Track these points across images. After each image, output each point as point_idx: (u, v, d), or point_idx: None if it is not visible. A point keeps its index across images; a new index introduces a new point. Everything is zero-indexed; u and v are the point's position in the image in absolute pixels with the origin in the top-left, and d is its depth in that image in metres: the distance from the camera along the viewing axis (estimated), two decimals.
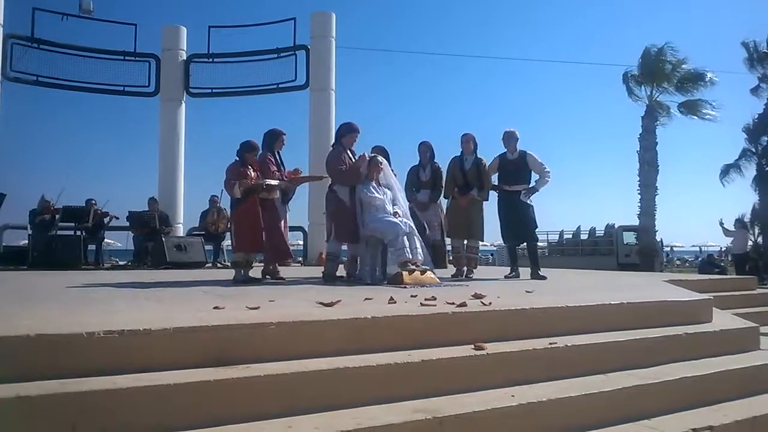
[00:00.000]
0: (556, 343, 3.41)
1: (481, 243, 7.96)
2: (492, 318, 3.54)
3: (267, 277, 6.56)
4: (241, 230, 6.15)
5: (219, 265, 11.42)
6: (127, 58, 14.11)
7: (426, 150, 7.38)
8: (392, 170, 6.79)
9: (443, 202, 7.39)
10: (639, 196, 21.60)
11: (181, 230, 13.49)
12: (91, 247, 11.61)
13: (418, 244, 6.09)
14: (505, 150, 7.22)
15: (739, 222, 17.14)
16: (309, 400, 2.61)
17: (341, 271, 6.66)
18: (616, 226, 25.93)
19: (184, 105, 14.53)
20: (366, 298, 4.08)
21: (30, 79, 13.21)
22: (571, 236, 28.08)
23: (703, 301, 4.66)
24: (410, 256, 5.89)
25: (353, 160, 6.43)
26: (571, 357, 3.39)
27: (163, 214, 12.19)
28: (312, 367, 2.73)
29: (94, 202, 11.62)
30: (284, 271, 6.99)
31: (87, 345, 2.46)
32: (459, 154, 7.32)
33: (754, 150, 22.76)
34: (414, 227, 6.22)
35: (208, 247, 11.58)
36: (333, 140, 6.89)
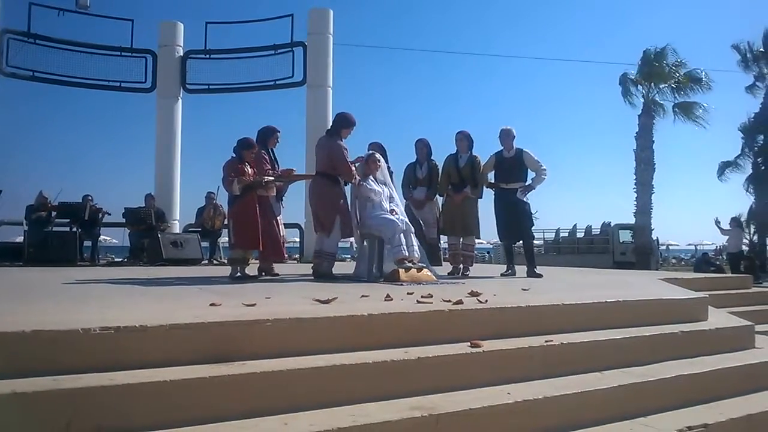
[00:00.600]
0: (552, 341, 3.41)
1: (477, 241, 7.96)
2: (488, 316, 3.54)
3: (263, 274, 6.54)
4: (239, 227, 6.13)
5: (215, 261, 11.41)
6: (123, 53, 14.10)
7: (423, 147, 7.37)
8: (389, 167, 6.79)
9: (439, 200, 7.38)
10: (635, 195, 21.67)
11: (177, 227, 13.47)
12: (87, 243, 11.61)
13: (414, 242, 6.09)
14: (502, 148, 7.22)
15: (735, 221, 17.19)
16: (305, 397, 2.61)
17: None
18: (612, 225, 25.96)
19: (180, 101, 14.52)
20: (362, 296, 4.08)
21: (26, 74, 13.20)
22: (567, 234, 28.10)
23: (699, 300, 4.67)
24: (407, 254, 5.89)
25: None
26: (567, 355, 3.40)
27: (160, 210, 12.18)
28: (308, 364, 2.73)
29: (90, 198, 11.60)
30: (281, 269, 6.99)
31: (83, 341, 2.46)
32: (454, 152, 7.33)
33: (750, 149, 22.83)
34: (410, 224, 6.23)
35: (205, 244, 11.57)
36: (327, 130, 6.68)
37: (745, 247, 18.82)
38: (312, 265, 6.53)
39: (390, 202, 6.38)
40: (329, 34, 13.88)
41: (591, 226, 27.49)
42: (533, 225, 7.35)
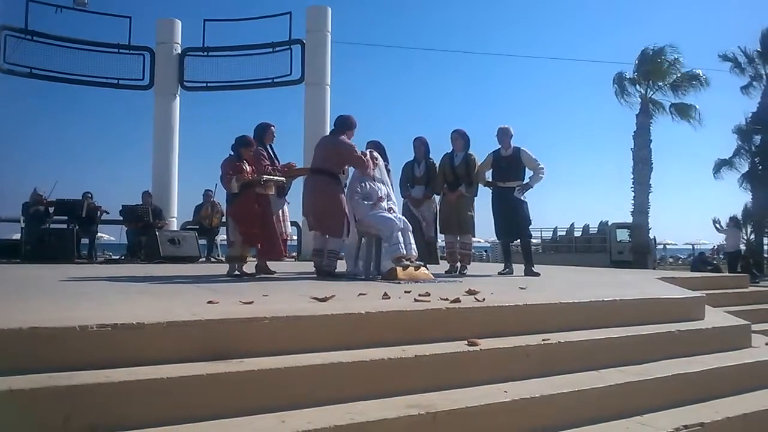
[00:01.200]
0: (549, 339, 3.42)
1: (474, 239, 7.97)
2: (485, 314, 3.54)
3: (261, 272, 6.54)
4: (238, 225, 6.12)
5: (213, 259, 11.40)
6: (121, 51, 14.05)
7: (421, 145, 7.38)
8: (387, 165, 6.79)
9: (437, 199, 7.39)
10: (633, 194, 21.72)
11: (174, 224, 13.44)
12: (84, 240, 11.58)
13: (411, 240, 6.09)
14: (499, 146, 7.23)
15: (733, 220, 17.23)
16: (302, 395, 2.61)
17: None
18: (609, 224, 26.04)
19: (178, 99, 14.48)
20: (360, 294, 4.08)
21: (24, 71, 13.15)
22: (564, 233, 28.18)
23: (696, 299, 4.68)
24: (405, 252, 5.89)
25: None
26: (564, 353, 3.41)
27: (157, 208, 12.16)
28: (305, 362, 2.73)
29: (89, 195, 11.59)
30: (279, 267, 6.97)
31: (80, 339, 2.45)
32: (450, 150, 7.34)
33: (747, 148, 22.89)
34: (408, 223, 6.23)
35: (202, 242, 11.57)
36: (333, 128, 6.65)
37: (742, 247, 18.87)
38: (314, 263, 6.48)
39: (387, 201, 6.39)
40: (327, 32, 13.84)
41: (588, 225, 27.60)
42: (531, 224, 7.36)
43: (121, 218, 11.87)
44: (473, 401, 2.77)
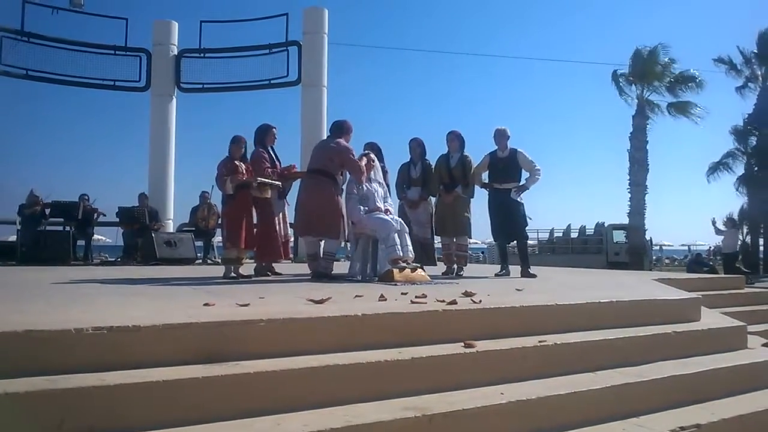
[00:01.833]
0: (545, 341, 3.42)
1: (471, 241, 7.97)
2: (482, 316, 3.54)
3: (261, 274, 6.53)
4: (231, 227, 6.11)
5: (209, 261, 11.39)
6: (117, 52, 14.05)
7: (417, 147, 7.37)
8: (383, 167, 6.79)
9: (433, 200, 7.39)
10: (629, 195, 21.76)
11: (171, 226, 13.44)
12: (81, 242, 11.57)
13: (408, 242, 6.10)
14: (496, 148, 7.24)
15: (731, 221, 17.27)
16: (298, 397, 2.61)
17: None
18: (606, 225, 26.07)
19: (174, 100, 14.48)
20: (356, 296, 4.08)
21: (20, 72, 13.14)
22: (561, 234, 28.20)
23: (692, 300, 4.69)
24: (401, 254, 5.89)
25: None
26: (561, 355, 3.41)
27: (153, 209, 12.15)
28: (302, 364, 2.73)
29: (86, 197, 11.57)
30: (276, 268, 6.96)
31: (75, 341, 2.45)
32: (446, 152, 7.35)
33: (743, 150, 22.96)
34: (405, 224, 6.23)
35: (199, 244, 11.56)
36: (328, 134, 6.70)
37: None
38: (309, 267, 6.48)
39: (384, 202, 6.39)
40: (324, 34, 13.85)
41: (585, 227, 27.62)
42: (527, 225, 7.37)
43: (118, 220, 11.86)
44: (469, 403, 2.76)
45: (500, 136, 7.20)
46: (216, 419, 2.41)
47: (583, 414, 3.03)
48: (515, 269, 7.38)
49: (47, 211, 11.03)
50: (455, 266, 7.29)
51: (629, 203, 21.79)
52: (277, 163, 6.69)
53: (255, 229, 6.28)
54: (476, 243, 28.19)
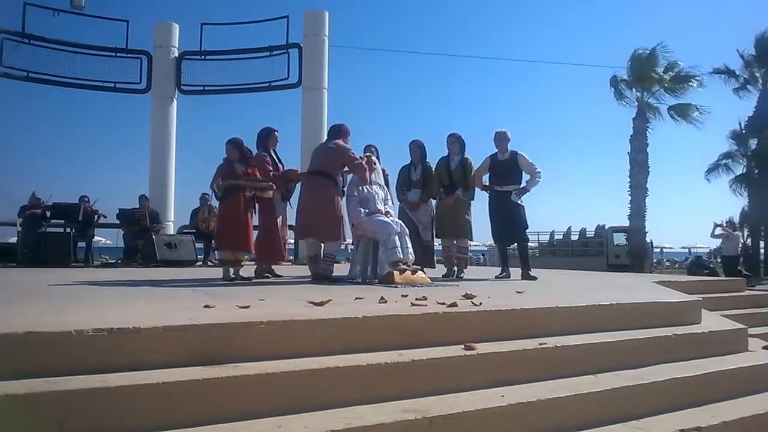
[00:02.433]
0: (546, 343, 3.41)
1: (471, 243, 7.97)
2: (482, 318, 3.54)
3: (263, 276, 6.53)
4: (222, 228, 6.11)
5: (210, 263, 11.37)
6: (118, 54, 14.06)
7: (417, 149, 7.38)
8: (383, 169, 6.80)
9: (434, 202, 7.39)
10: (629, 198, 21.72)
11: (171, 228, 13.43)
12: (81, 244, 11.56)
13: (409, 244, 6.10)
14: (496, 150, 7.24)
15: (732, 224, 17.26)
16: (299, 399, 2.60)
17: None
18: (606, 227, 26.08)
19: (175, 102, 14.49)
20: (357, 298, 4.08)
21: (21, 74, 13.15)
22: (561, 237, 28.22)
23: (693, 303, 4.69)
24: (401, 256, 5.89)
25: None
26: (561, 357, 3.40)
27: (154, 211, 12.14)
28: (302, 366, 2.73)
29: (87, 199, 11.57)
30: (276, 270, 6.96)
31: (76, 343, 2.44)
32: (446, 154, 7.35)
33: (743, 152, 22.97)
34: (405, 227, 6.23)
35: (199, 246, 11.54)
36: (327, 137, 6.73)
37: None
38: (309, 269, 6.48)
39: (384, 204, 6.39)
40: (324, 36, 13.87)
41: (585, 229, 27.65)
42: (528, 227, 7.37)
43: (118, 222, 11.84)
44: (469, 406, 2.76)
45: (501, 138, 7.20)
46: (216, 421, 2.41)
47: (583, 417, 3.03)
48: (516, 271, 7.38)
49: (48, 213, 11.02)
50: (456, 268, 7.29)
51: (630, 206, 21.74)
52: (280, 166, 6.70)
53: (255, 231, 6.28)
54: (477, 245, 28.16)
